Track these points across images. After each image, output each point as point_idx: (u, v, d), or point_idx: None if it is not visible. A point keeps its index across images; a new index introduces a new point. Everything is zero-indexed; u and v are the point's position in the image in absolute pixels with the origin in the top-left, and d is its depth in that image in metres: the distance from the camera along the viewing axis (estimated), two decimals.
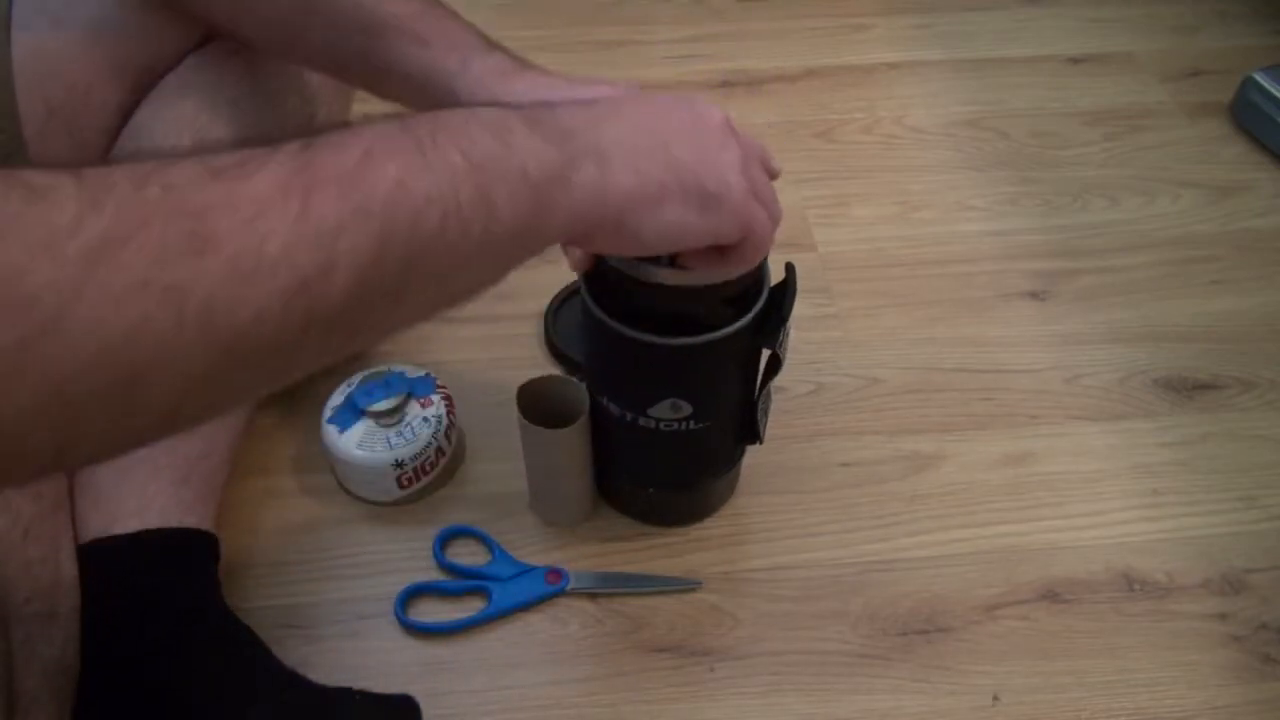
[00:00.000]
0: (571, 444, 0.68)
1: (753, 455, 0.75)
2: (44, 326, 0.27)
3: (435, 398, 0.75)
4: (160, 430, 0.32)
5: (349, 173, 0.34)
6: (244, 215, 0.31)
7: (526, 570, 0.71)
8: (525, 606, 0.70)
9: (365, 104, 0.69)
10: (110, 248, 0.28)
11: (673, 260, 0.54)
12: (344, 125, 0.36)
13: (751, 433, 0.70)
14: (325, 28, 0.60)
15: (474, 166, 0.37)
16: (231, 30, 0.66)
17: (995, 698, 0.67)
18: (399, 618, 0.69)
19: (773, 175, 0.55)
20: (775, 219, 0.52)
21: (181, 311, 0.29)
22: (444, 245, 0.36)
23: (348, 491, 0.77)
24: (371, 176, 0.34)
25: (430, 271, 0.36)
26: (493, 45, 0.59)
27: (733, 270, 0.54)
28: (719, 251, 0.51)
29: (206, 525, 0.65)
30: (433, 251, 0.36)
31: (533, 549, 0.74)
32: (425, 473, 0.75)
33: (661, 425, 0.64)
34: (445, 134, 0.37)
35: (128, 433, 0.31)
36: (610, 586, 0.71)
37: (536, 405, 0.67)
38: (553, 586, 0.71)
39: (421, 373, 0.77)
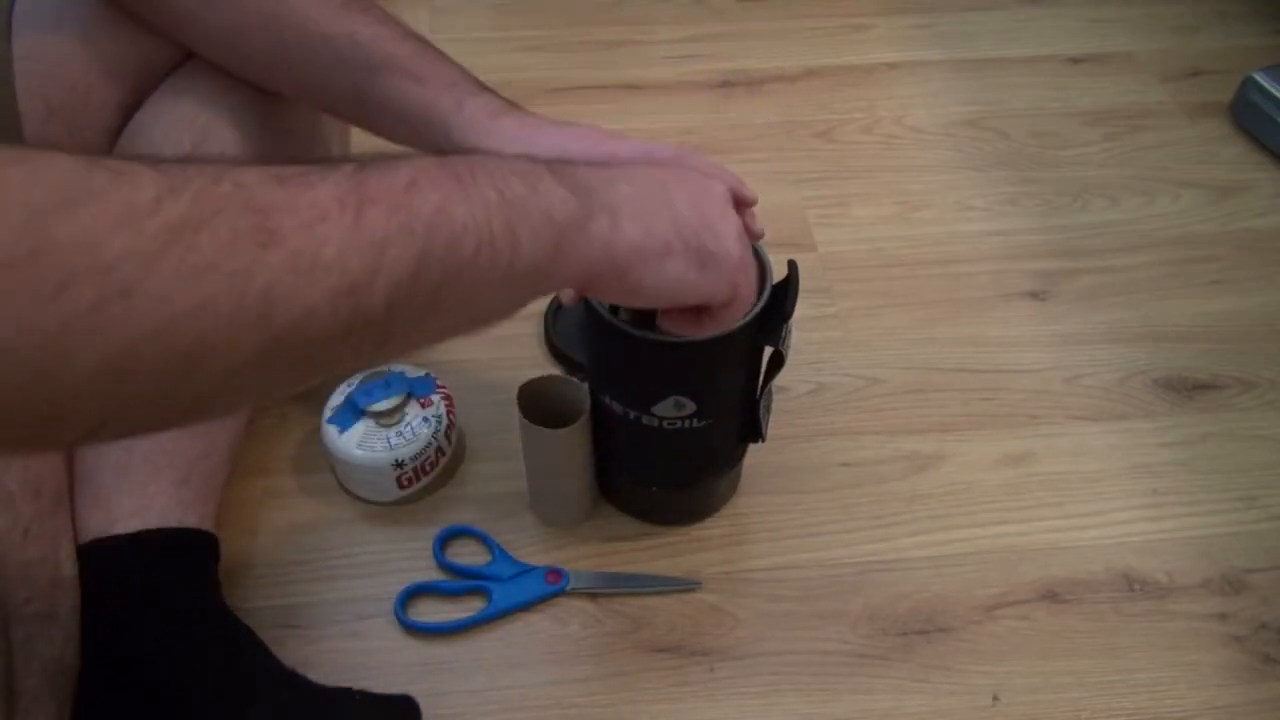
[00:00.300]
0: (572, 444, 0.68)
1: (753, 455, 0.75)
2: (118, 293, 0.28)
3: (435, 398, 0.75)
4: (196, 412, 0.34)
5: (397, 194, 0.37)
6: (305, 219, 0.33)
7: (526, 570, 0.71)
8: (525, 606, 0.70)
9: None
10: (186, 230, 0.30)
11: (653, 322, 0.57)
12: (390, 156, 0.39)
13: (754, 431, 0.70)
14: (320, 65, 0.62)
15: (506, 203, 0.40)
16: (221, 64, 0.66)
17: (995, 698, 0.67)
18: (399, 618, 0.69)
19: (754, 237, 0.58)
20: (755, 291, 0.56)
21: (243, 297, 0.31)
22: (474, 271, 0.39)
23: (348, 491, 0.77)
24: (417, 200, 0.37)
25: (459, 293, 0.39)
26: (483, 86, 0.62)
27: (709, 331, 0.56)
28: (696, 314, 0.54)
29: (206, 525, 0.65)
30: (464, 275, 0.39)
31: (533, 549, 0.74)
32: (425, 473, 0.75)
33: (665, 424, 0.64)
34: (481, 172, 0.40)
35: (168, 410, 0.33)
36: (610, 586, 0.71)
37: (537, 405, 0.67)
38: (553, 586, 0.71)
39: (421, 373, 0.77)
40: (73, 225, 0.28)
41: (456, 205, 0.38)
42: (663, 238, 0.47)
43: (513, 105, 0.62)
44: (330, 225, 0.34)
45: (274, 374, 0.35)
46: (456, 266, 0.38)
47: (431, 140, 0.61)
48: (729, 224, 0.51)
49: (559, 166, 0.45)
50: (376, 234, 0.35)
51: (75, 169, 0.29)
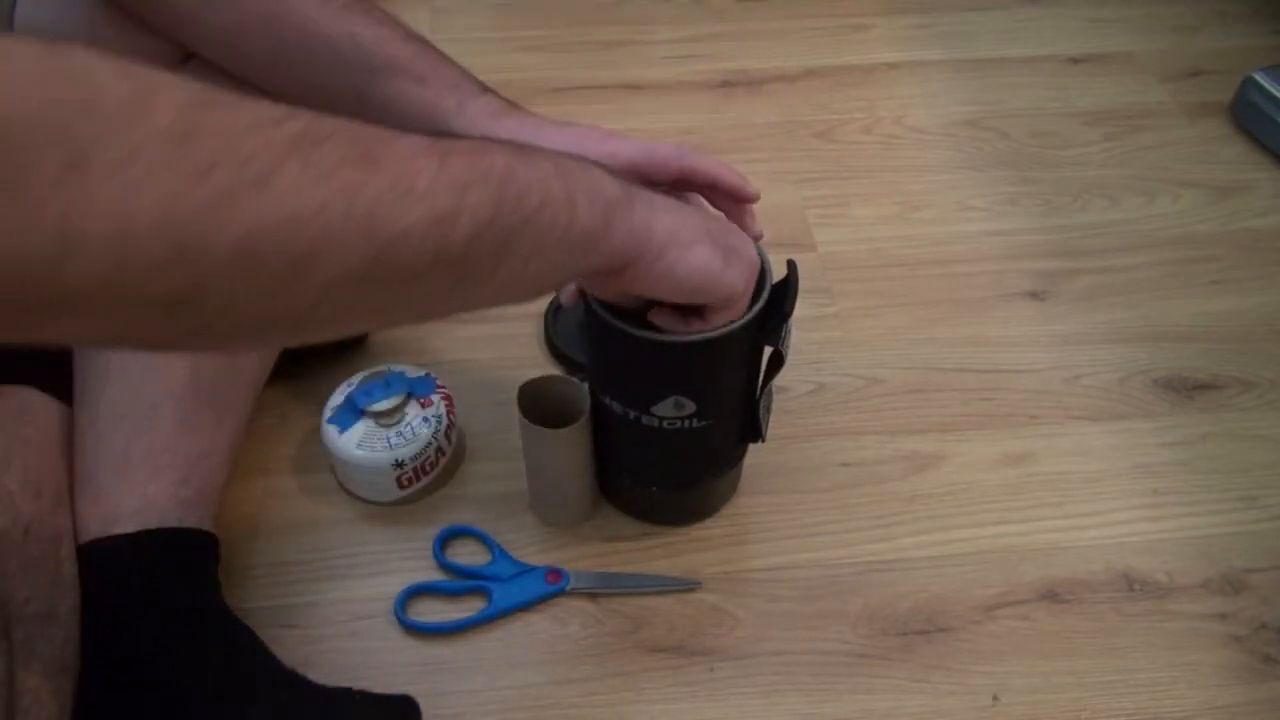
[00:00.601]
0: (572, 444, 0.68)
1: (753, 455, 0.75)
2: (254, 182, 0.32)
3: (435, 398, 0.75)
4: (298, 324, 0.37)
5: (472, 151, 0.40)
6: (401, 154, 0.37)
7: (526, 570, 0.71)
8: (525, 606, 0.70)
9: None
10: (307, 140, 0.34)
11: (644, 319, 0.58)
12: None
13: (754, 431, 0.70)
14: (320, 66, 0.62)
15: (562, 173, 0.44)
16: (221, 65, 0.66)
17: (995, 698, 0.67)
18: (399, 618, 0.69)
19: (754, 237, 0.61)
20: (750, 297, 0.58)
21: (351, 207, 0.34)
22: (539, 225, 0.42)
23: (348, 491, 0.77)
24: (488, 158, 0.41)
25: (525, 247, 0.42)
26: (485, 87, 0.63)
27: (697, 330, 0.57)
28: (686, 313, 0.57)
29: (206, 525, 0.65)
30: (530, 228, 0.42)
31: (533, 549, 0.74)
32: (425, 473, 0.75)
33: (665, 423, 0.64)
34: (534, 149, 0.44)
35: (277, 312, 0.35)
36: (610, 586, 0.71)
37: (537, 405, 0.67)
38: (553, 586, 0.71)
39: (421, 373, 0.77)
40: (217, 120, 0.31)
41: (521, 166, 0.42)
42: (693, 226, 0.51)
43: (514, 106, 0.62)
44: (421, 163, 0.37)
45: (366, 298, 0.37)
46: (524, 219, 0.41)
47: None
48: (739, 233, 0.56)
49: (597, 162, 0.48)
50: (459, 177, 0.38)
51: (206, 86, 0.32)
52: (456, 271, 0.40)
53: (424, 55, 0.62)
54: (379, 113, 0.62)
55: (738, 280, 0.54)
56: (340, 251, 0.35)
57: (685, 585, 0.72)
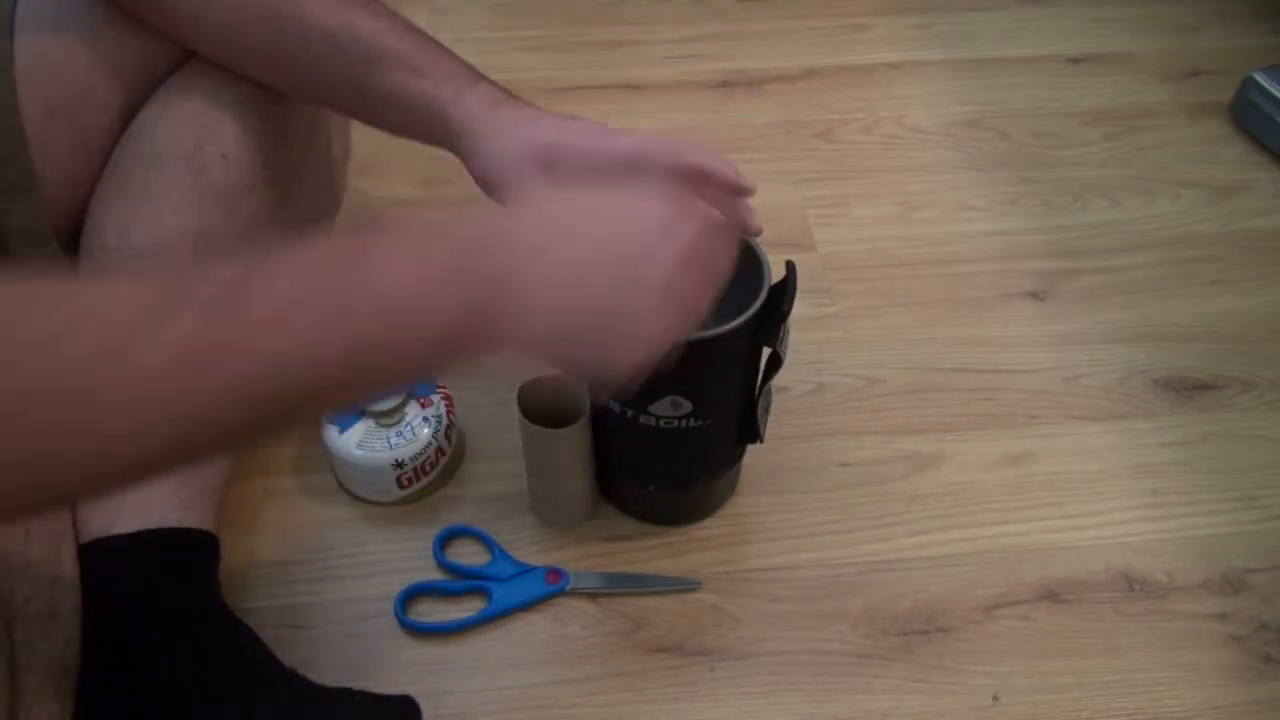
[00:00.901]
0: (572, 444, 0.68)
1: (753, 455, 0.75)
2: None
3: (435, 398, 0.75)
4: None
5: (252, 336, 0.36)
6: (134, 390, 0.34)
7: (526, 570, 0.71)
8: (525, 606, 0.70)
9: None
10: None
11: None
12: (288, 253, 0.39)
13: (752, 431, 0.70)
14: (319, 59, 0.62)
15: (369, 343, 0.39)
16: (221, 61, 0.67)
17: (995, 698, 0.67)
18: (399, 618, 0.69)
19: (751, 233, 0.59)
20: (691, 322, 0.49)
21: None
22: (304, 411, 0.42)
23: (348, 491, 0.77)
24: (270, 341, 0.37)
25: (284, 423, 0.42)
26: (481, 76, 0.63)
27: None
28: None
29: (206, 525, 0.65)
30: (295, 415, 0.41)
31: (533, 549, 0.74)
32: (425, 473, 0.75)
33: (661, 423, 0.64)
34: (375, 285, 0.39)
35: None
36: (610, 586, 0.71)
37: (537, 405, 0.67)
38: (553, 586, 0.71)
39: None
40: None
41: (315, 346, 0.38)
42: (568, 328, 0.45)
43: (511, 95, 0.62)
44: (168, 384, 0.34)
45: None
46: (292, 408, 0.39)
47: (431, 131, 0.62)
48: (656, 283, 0.46)
49: (478, 251, 0.42)
50: (199, 407, 0.35)
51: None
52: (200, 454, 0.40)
53: (422, 47, 0.62)
54: (377, 104, 0.63)
55: (614, 364, 0.46)
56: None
57: (685, 585, 0.72)
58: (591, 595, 0.71)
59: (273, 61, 0.64)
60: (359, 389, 0.42)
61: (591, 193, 0.49)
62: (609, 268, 0.45)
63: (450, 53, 0.64)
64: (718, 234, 0.50)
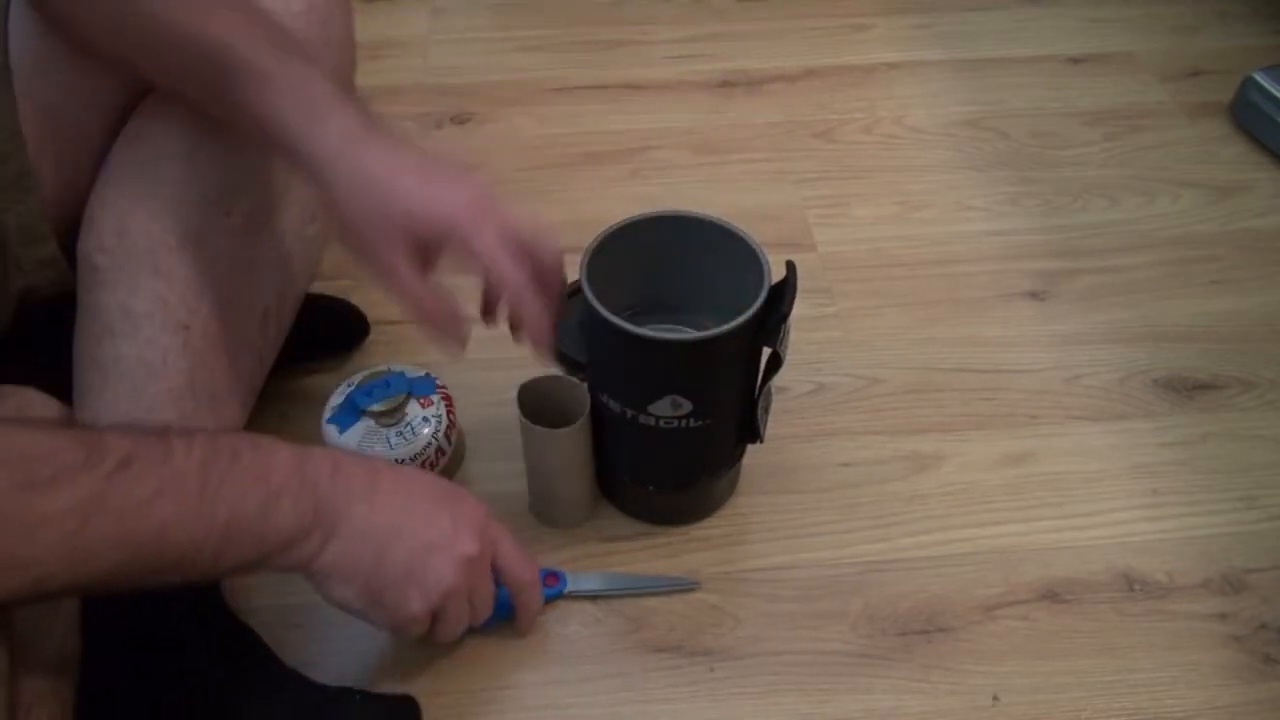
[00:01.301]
0: (572, 444, 0.68)
1: (753, 455, 0.75)
2: None
3: (435, 398, 0.75)
4: None
5: (131, 509, 0.45)
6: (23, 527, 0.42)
7: None
8: None
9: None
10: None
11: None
12: (171, 441, 0.48)
13: (752, 431, 0.70)
14: (169, 65, 0.59)
15: (229, 527, 0.48)
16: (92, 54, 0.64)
17: (995, 698, 0.67)
18: None
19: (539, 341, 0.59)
20: (478, 617, 0.62)
21: None
22: (169, 575, 0.48)
23: None
24: (146, 520, 0.46)
25: (145, 581, 0.48)
26: (345, 99, 0.58)
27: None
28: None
29: None
30: (159, 576, 0.48)
31: (533, 549, 0.74)
32: None
33: (661, 423, 0.64)
34: (230, 485, 0.49)
35: None
36: (608, 588, 0.71)
37: (537, 405, 0.67)
38: (551, 589, 0.70)
39: (421, 373, 0.77)
40: None
41: (180, 527, 0.47)
42: (360, 572, 0.55)
43: (372, 126, 0.57)
44: (50, 534, 0.43)
45: None
46: (156, 568, 0.47)
47: (290, 162, 0.58)
48: (431, 583, 0.57)
49: (315, 478, 0.52)
50: (90, 548, 0.44)
51: None
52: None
53: (281, 58, 0.57)
54: (241, 120, 0.58)
55: (380, 623, 0.58)
56: None
57: (683, 586, 0.72)
58: (591, 596, 0.71)
59: (132, 65, 0.61)
60: (211, 569, 0.49)
61: (422, 481, 0.60)
62: (406, 549, 0.56)
63: (311, 65, 0.58)
64: (483, 579, 0.61)
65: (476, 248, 0.55)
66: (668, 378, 0.62)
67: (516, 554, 0.64)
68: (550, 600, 0.71)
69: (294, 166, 0.58)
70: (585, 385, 0.68)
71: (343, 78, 0.72)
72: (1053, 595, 0.72)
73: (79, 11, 0.60)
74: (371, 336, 0.87)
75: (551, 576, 0.71)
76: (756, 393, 0.68)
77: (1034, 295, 0.94)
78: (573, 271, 0.61)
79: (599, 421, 0.68)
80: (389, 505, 0.56)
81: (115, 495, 0.44)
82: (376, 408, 0.73)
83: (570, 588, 0.71)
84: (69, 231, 0.66)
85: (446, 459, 0.76)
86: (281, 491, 0.51)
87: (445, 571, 0.57)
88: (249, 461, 0.50)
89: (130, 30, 0.59)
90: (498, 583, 0.69)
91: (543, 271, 0.58)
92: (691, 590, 0.72)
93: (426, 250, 0.56)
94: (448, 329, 0.57)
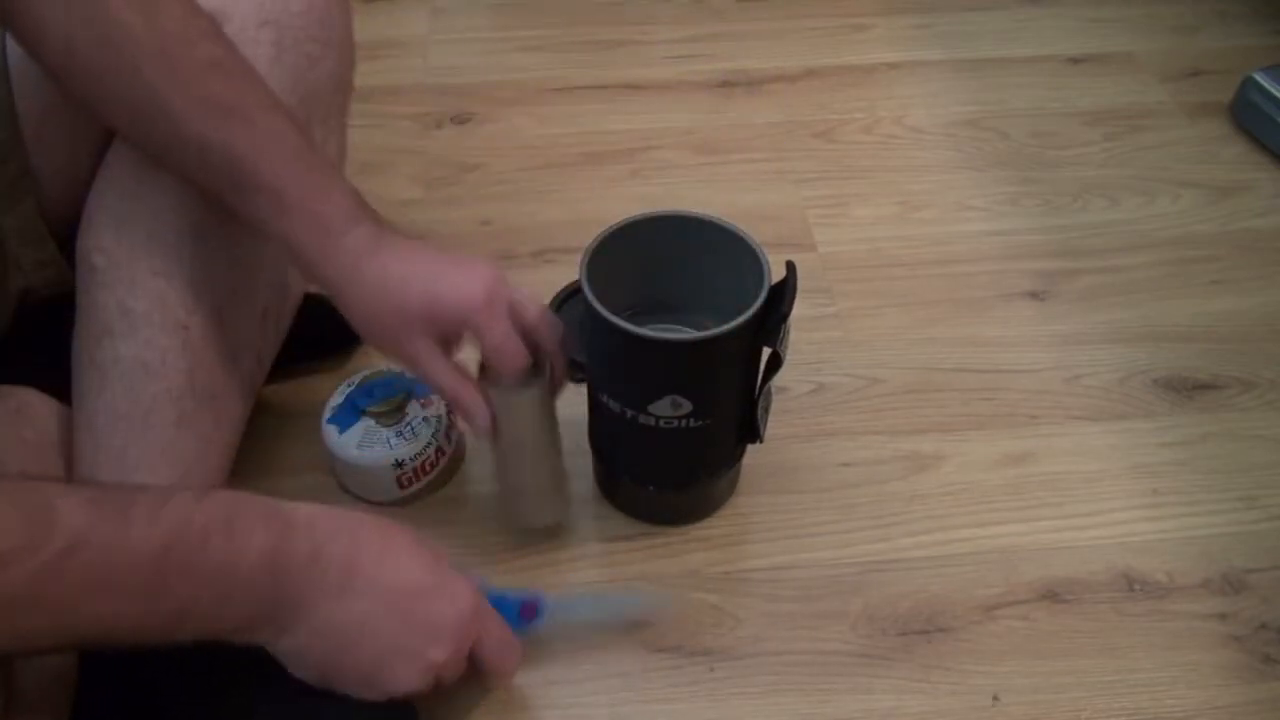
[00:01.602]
0: (532, 408, 0.64)
1: (753, 455, 0.75)
2: None
3: (435, 398, 0.75)
4: None
5: (68, 605, 0.44)
6: None
7: (500, 599, 0.63)
8: None
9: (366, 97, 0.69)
10: None
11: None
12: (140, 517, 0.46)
13: (752, 431, 0.70)
14: (184, 165, 0.59)
15: (184, 613, 0.48)
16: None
17: (995, 698, 0.67)
18: None
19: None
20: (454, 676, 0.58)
21: None
22: (113, 645, 0.49)
23: (348, 491, 0.77)
24: (81, 618, 0.45)
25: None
26: (356, 212, 0.60)
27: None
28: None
29: None
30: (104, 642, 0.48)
31: (530, 550, 0.74)
32: (425, 473, 0.75)
33: (661, 423, 0.64)
34: (199, 574, 0.48)
35: None
36: (584, 615, 0.69)
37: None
38: (523, 623, 0.64)
39: None
40: None
41: (123, 619, 0.46)
42: (315, 664, 0.54)
43: (382, 229, 0.60)
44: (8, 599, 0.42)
45: None
46: (101, 645, 0.49)
47: (304, 273, 0.62)
48: (390, 686, 0.55)
49: (287, 567, 0.51)
50: (24, 635, 0.44)
51: None
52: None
53: (300, 179, 0.59)
54: (251, 225, 0.60)
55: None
56: None
57: (662, 604, 0.70)
58: (564, 623, 0.68)
59: (143, 147, 0.61)
60: (160, 643, 0.48)
61: (407, 573, 0.56)
62: (377, 646, 0.54)
63: (333, 181, 0.60)
64: (455, 670, 0.58)
65: (487, 343, 0.60)
66: (668, 378, 0.62)
67: (499, 648, 0.59)
68: (522, 635, 0.63)
69: (311, 279, 0.62)
70: (545, 357, 0.64)
71: (343, 78, 0.72)
72: (1053, 595, 0.72)
73: (102, 111, 0.60)
74: None
75: (529, 607, 0.65)
76: (756, 393, 0.67)
77: (1034, 295, 0.94)
78: (573, 272, 0.61)
79: (599, 422, 0.68)
80: (357, 607, 0.53)
81: (52, 587, 0.43)
82: (376, 408, 0.73)
83: (546, 620, 0.65)
84: (68, 232, 0.66)
85: (446, 459, 0.76)
86: (246, 585, 0.49)
87: (407, 677, 0.55)
88: (217, 548, 0.48)
89: (155, 135, 0.58)
90: (505, 598, 0.66)
91: (538, 351, 0.63)
92: (666, 608, 0.70)
93: (446, 337, 0.61)
94: (470, 413, 0.62)
